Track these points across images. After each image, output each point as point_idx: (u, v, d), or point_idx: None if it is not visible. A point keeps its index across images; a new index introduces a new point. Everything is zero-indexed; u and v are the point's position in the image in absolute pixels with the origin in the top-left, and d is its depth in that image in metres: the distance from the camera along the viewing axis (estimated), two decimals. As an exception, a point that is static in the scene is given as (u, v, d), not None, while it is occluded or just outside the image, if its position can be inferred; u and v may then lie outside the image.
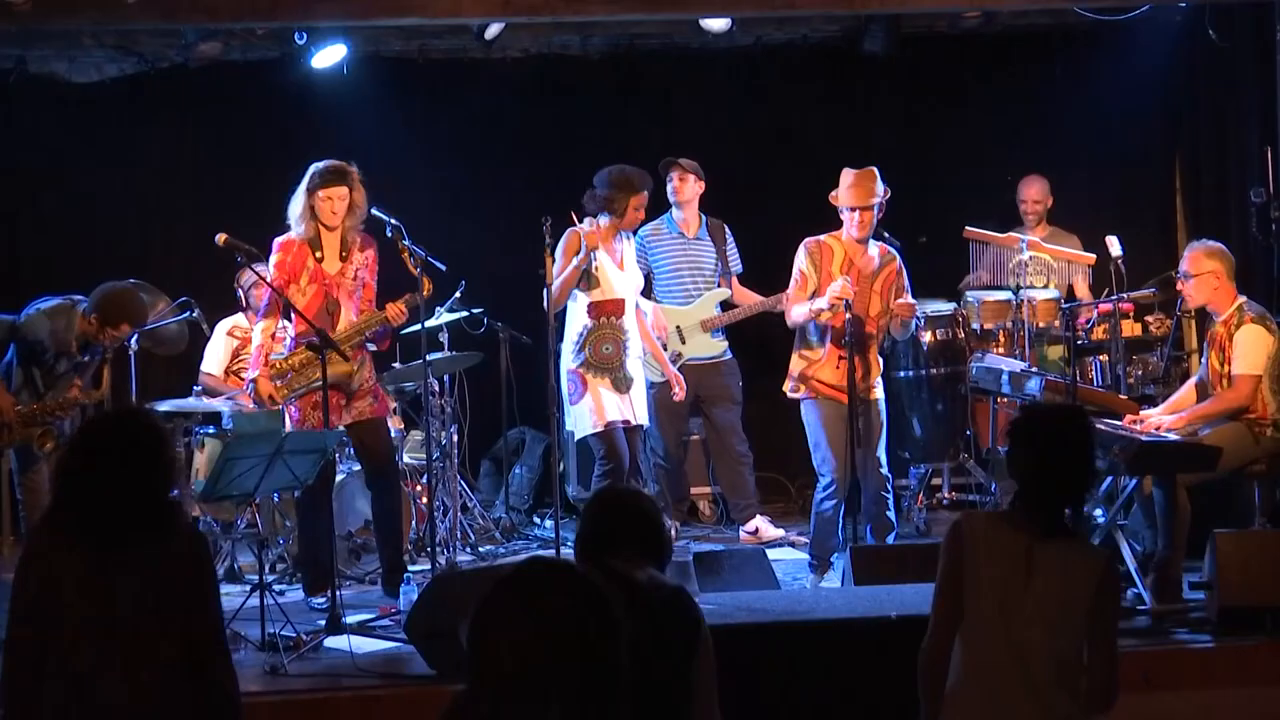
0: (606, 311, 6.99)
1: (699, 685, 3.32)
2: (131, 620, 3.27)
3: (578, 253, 6.90)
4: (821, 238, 6.89)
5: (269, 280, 6.55)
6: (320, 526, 6.49)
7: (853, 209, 6.77)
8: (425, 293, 6.61)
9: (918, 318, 7.32)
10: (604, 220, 7.02)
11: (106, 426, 3.55)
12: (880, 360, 6.95)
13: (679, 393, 7.44)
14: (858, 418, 6.65)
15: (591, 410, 6.95)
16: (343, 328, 6.57)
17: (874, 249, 6.89)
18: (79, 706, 3.25)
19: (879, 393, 6.89)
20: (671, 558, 3.73)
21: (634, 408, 7.04)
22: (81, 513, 3.33)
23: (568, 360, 7.05)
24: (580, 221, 7.01)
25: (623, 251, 7.12)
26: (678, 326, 7.89)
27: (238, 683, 3.52)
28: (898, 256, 6.94)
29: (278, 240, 6.64)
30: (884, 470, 6.84)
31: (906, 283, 6.95)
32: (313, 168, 6.61)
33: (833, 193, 6.87)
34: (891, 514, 6.92)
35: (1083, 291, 8.18)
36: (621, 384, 6.99)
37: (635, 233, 8.05)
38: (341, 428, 6.55)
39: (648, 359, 7.87)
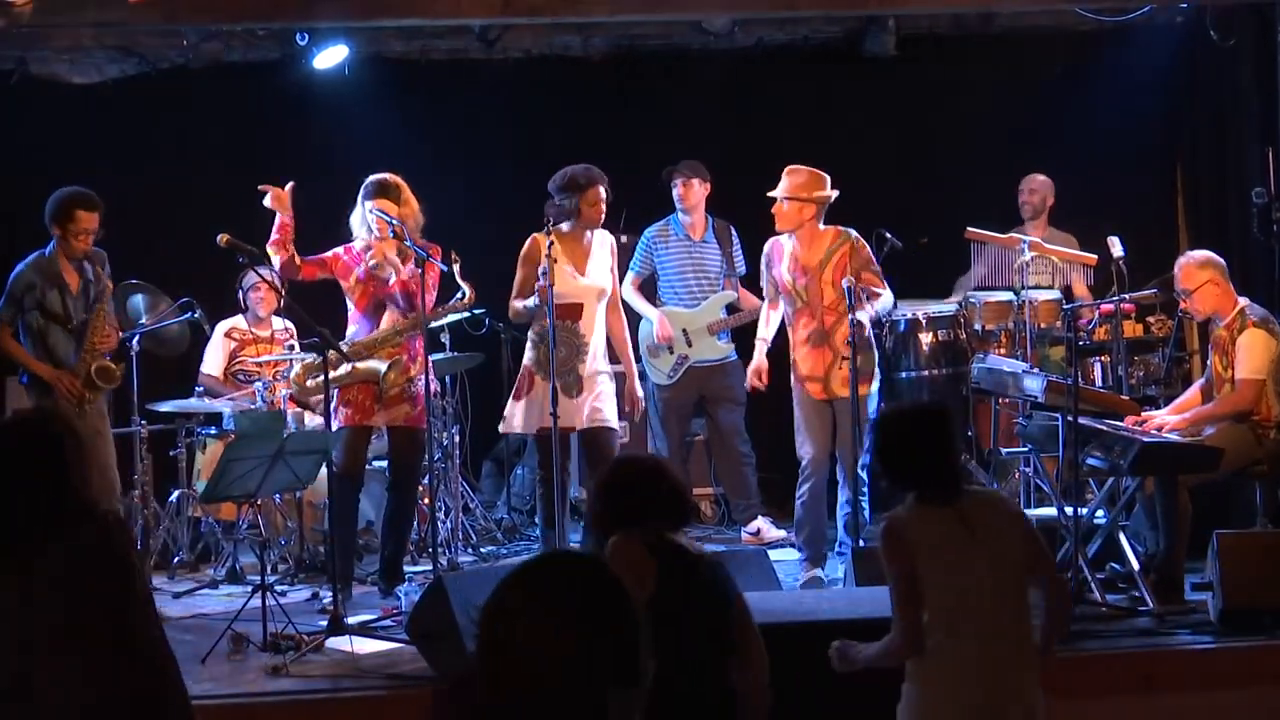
0: (560, 315, 6.73)
1: (745, 617, 3.83)
2: (47, 623, 3.18)
3: (537, 262, 6.70)
4: (779, 237, 6.94)
5: (271, 282, 6.63)
6: (353, 527, 6.83)
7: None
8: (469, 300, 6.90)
9: (916, 319, 7.31)
10: (565, 227, 6.85)
11: None
12: (859, 354, 6.73)
13: (635, 413, 7.39)
14: (833, 414, 6.76)
15: (523, 412, 6.81)
16: (384, 327, 6.77)
17: (824, 237, 6.87)
18: (10, 714, 3.18)
19: (851, 390, 6.72)
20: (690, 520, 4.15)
21: (582, 412, 6.77)
22: None
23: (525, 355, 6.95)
24: (551, 226, 6.78)
25: (591, 250, 6.91)
26: (683, 329, 7.88)
27: (178, 667, 3.40)
28: (852, 236, 6.87)
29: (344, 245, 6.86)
30: (860, 473, 6.76)
31: (869, 259, 6.85)
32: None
33: None
34: (866, 509, 6.87)
35: (1080, 291, 8.16)
36: (571, 388, 6.76)
37: (641, 231, 8.10)
38: (380, 427, 6.81)
39: (653, 363, 7.89)
